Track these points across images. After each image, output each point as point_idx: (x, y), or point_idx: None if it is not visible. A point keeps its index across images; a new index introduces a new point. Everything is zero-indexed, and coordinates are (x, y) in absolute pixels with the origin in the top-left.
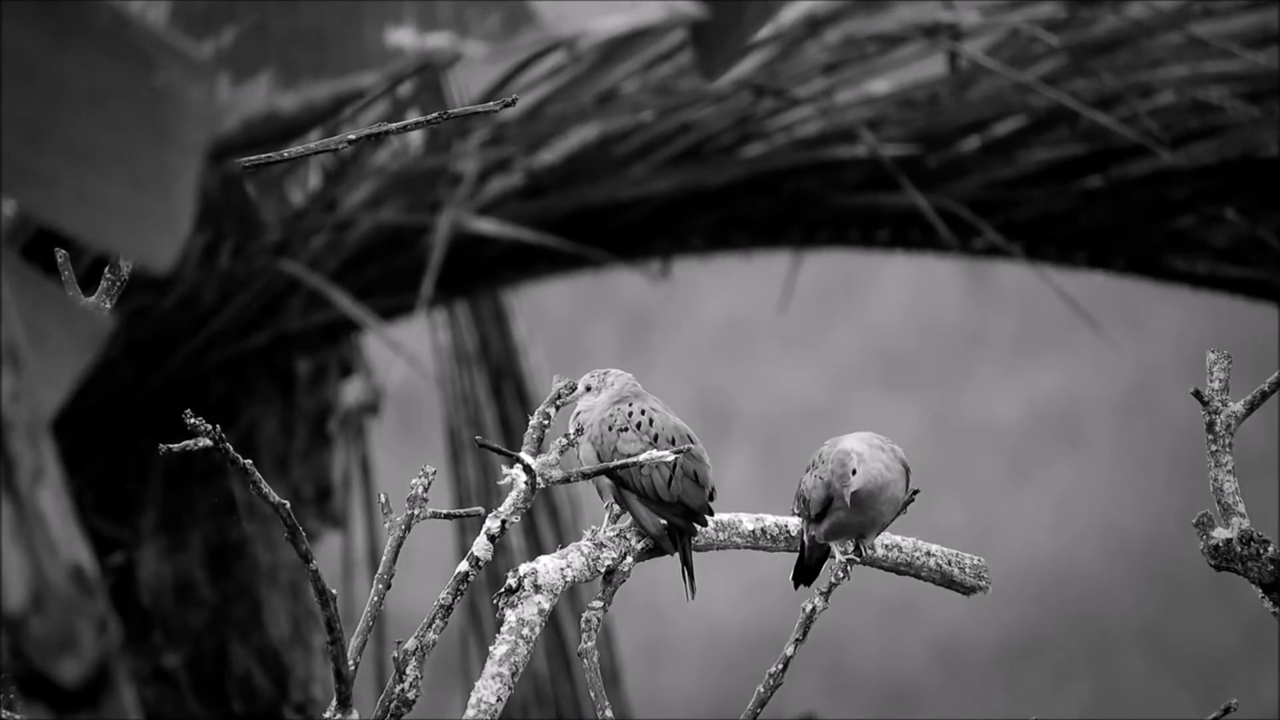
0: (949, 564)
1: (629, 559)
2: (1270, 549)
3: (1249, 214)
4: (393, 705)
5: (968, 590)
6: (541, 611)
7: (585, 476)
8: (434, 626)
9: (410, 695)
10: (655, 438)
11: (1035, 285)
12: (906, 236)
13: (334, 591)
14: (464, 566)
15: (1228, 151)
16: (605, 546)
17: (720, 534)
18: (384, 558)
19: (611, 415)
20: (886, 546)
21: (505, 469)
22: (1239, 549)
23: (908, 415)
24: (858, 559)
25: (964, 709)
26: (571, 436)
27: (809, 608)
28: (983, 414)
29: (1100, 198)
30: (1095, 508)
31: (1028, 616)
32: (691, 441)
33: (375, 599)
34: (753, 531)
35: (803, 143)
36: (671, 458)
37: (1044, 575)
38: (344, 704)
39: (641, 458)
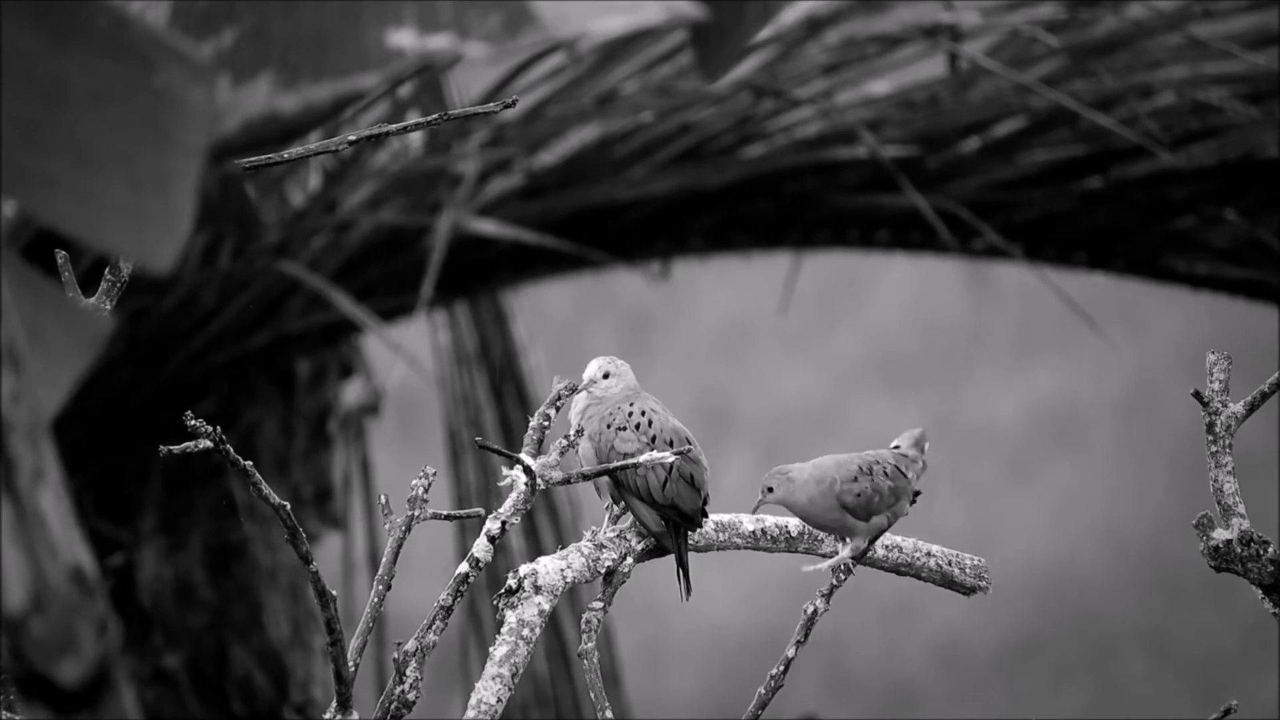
0: (949, 564)
1: (629, 560)
2: (1270, 550)
3: (1249, 215)
4: (393, 707)
5: (968, 590)
6: (542, 612)
7: (586, 478)
8: (434, 628)
9: (410, 696)
10: (653, 439)
11: (1035, 286)
12: (907, 238)
13: (334, 593)
14: (464, 568)
15: (1228, 152)
16: (605, 547)
17: (720, 535)
18: (384, 559)
19: (611, 413)
20: (887, 547)
21: (506, 470)
22: (1239, 550)
23: (908, 416)
24: (856, 563)
25: (964, 709)
26: (572, 437)
27: (810, 609)
28: (983, 415)
29: (1100, 199)
30: (1095, 508)
31: (1028, 617)
32: (689, 444)
33: (375, 600)
34: (753, 532)
35: (803, 144)
36: (671, 459)
37: (1044, 576)
38: (344, 705)
39: (641, 459)
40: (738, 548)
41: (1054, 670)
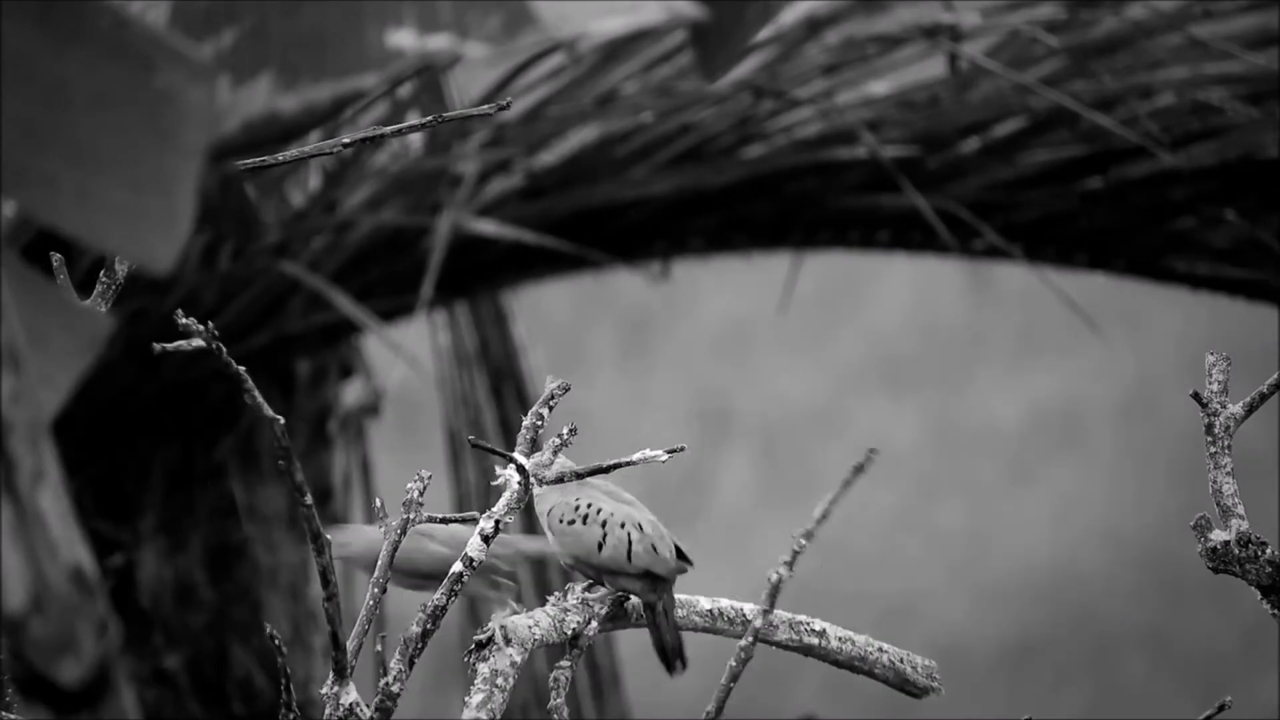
0: (901, 662)
1: (594, 624)
2: (1268, 551)
3: (1249, 215)
4: (377, 699)
5: (920, 691)
6: (514, 664)
7: (579, 476)
8: (425, 626)
9: (395, 689)
10: (604, 523)
11: (1035, 287)
12: (907, 238)
13: (329, 537)
14: (458, 567)
15: (1228, 153)
16: (570, 611)
17: (679, 611)
18: (379, 561)
19: (560, 505)
20: (840, 639)
21: (499, 469)
22: (1237, 551)
23: (908, 417)
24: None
25: (964, 709)
26: (566, 436)
27: (774, 577)
28: (983, 416)
29: (1100, 199)
30: (1095, 509)
31: (1028, 617)
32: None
33: (371, 603)
34: (710, 612)
35: (803, 144)
36: (665, 458)
37: (1044, 577)
38: (340, 673)
39: (635, 457)
40: (694, 627)
41: (1054, 670)
